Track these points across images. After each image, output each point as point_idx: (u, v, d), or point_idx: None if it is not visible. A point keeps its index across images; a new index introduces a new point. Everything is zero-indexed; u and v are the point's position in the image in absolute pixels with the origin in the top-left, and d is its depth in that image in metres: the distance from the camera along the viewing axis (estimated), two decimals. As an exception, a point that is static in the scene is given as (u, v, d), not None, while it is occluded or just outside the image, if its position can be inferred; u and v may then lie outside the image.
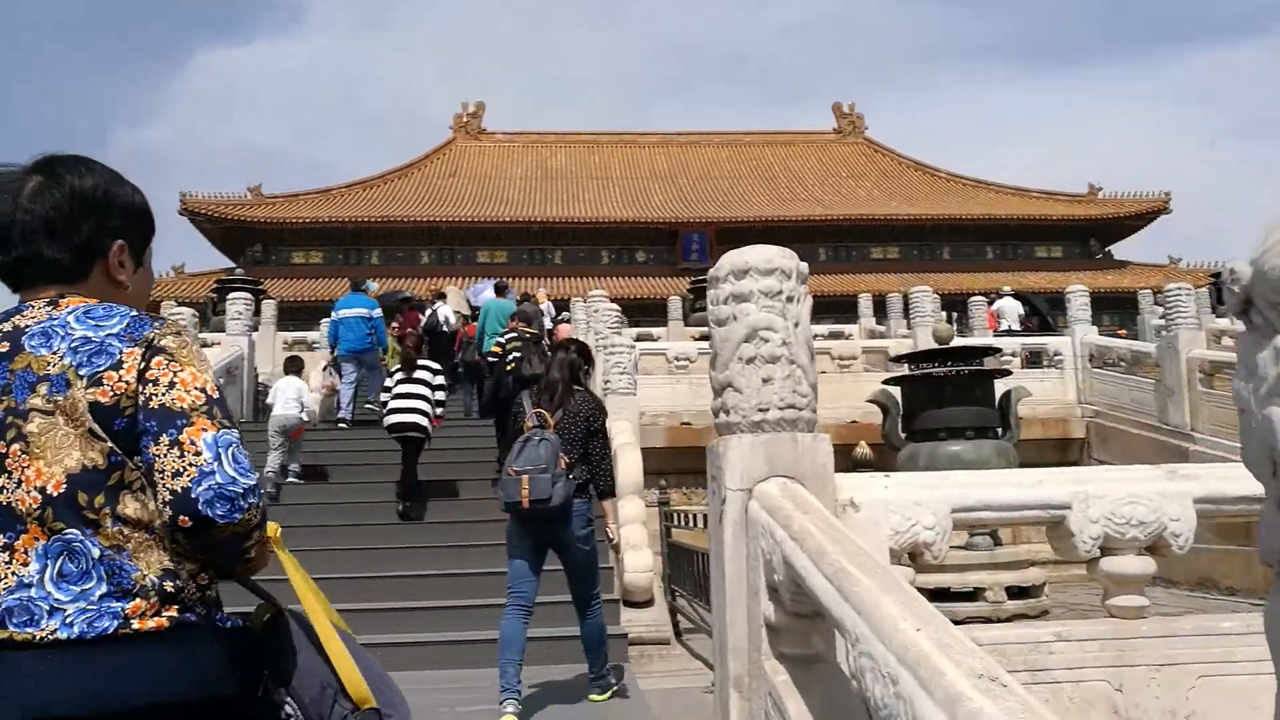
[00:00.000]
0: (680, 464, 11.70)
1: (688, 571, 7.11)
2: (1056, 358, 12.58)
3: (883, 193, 50.64)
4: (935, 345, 9.78)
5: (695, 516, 6.87)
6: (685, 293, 24.27)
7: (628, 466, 7.79)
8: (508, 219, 43.41)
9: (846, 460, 12.36)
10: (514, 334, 9.41)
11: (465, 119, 55.30)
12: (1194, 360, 10.65)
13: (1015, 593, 8.57)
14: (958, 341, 10.91)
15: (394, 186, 48.15)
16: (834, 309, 38.43)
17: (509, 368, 8.99)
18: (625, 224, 44.05)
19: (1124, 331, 24.03)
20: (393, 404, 9.00)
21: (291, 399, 9.54)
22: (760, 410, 2.91)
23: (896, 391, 9.77)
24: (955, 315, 21.19)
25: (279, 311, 20.41)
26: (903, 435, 9.43)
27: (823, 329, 21.03)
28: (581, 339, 6.97)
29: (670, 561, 7.91)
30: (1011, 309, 19.92)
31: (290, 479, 9.70)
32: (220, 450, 1.45)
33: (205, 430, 1.45)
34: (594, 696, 5.28)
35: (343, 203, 45.21)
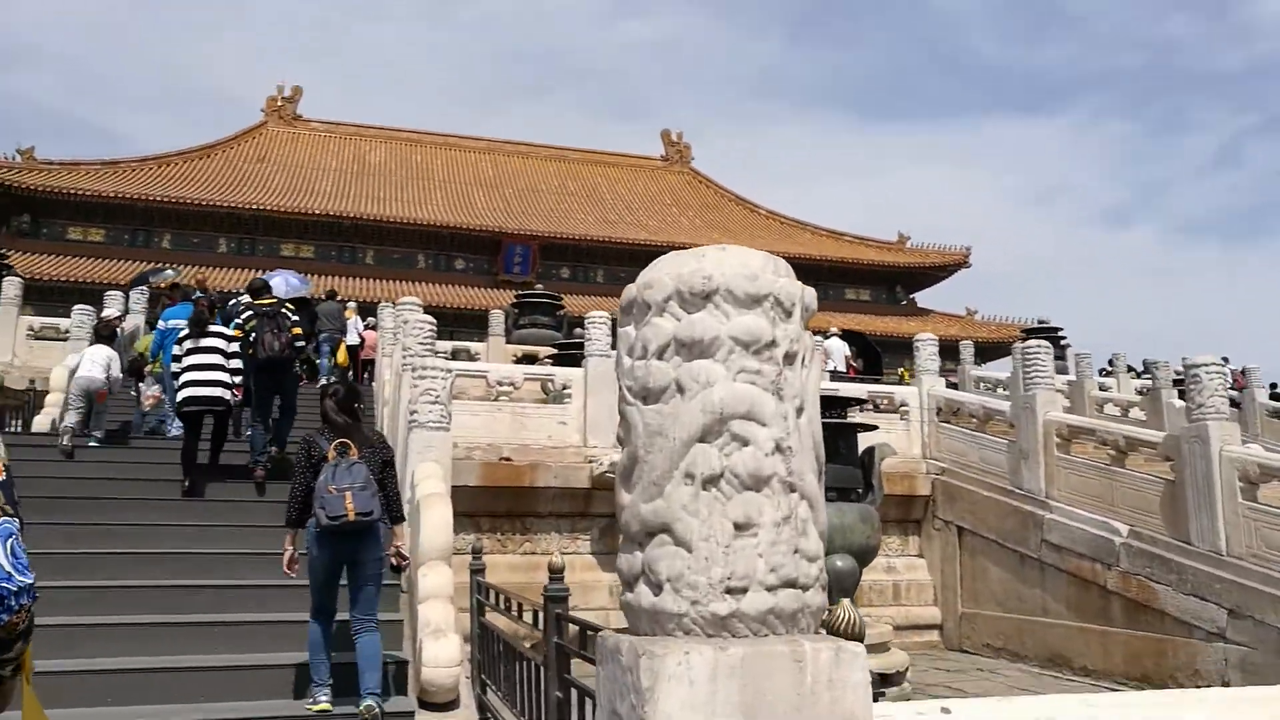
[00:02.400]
0: (496, 506, 10.10)
1: (502, 660, 5.55)
2: (903, 408, 11.84)
3: (705, 224, 50.93)
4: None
5: (515, 604, 5.34)
6: (509, 306, 22.58)
7: (435, 524, 6.15)
8: (318, 211, 40.25)
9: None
10: (250, 311, 8.43)
11: (280, 102, 51.47)
12: (1052, 423, 10.06)
13: (878, 681, 7.48)
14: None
15: (194, 166, 43.93)
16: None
17: (249, 351, 8.33)
18: (446, 229, 41.83)
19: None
20: (187, 376, 7.87)
21: (99, 363, 9.52)
22: (731, 591, 1.48)
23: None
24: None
25: (45, 291, 17.32)
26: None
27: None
28: (352, 385, 6.81)
29: (481, 645, 6.30)
30: (839, 349, 19.42)
31: (92, 443, 9.25)
32: None
33: None
34: (368, 704, 4.97)
35: (133, 178, 40.68)
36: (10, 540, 1.39)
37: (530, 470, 10.11)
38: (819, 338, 17.97)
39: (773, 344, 1.61)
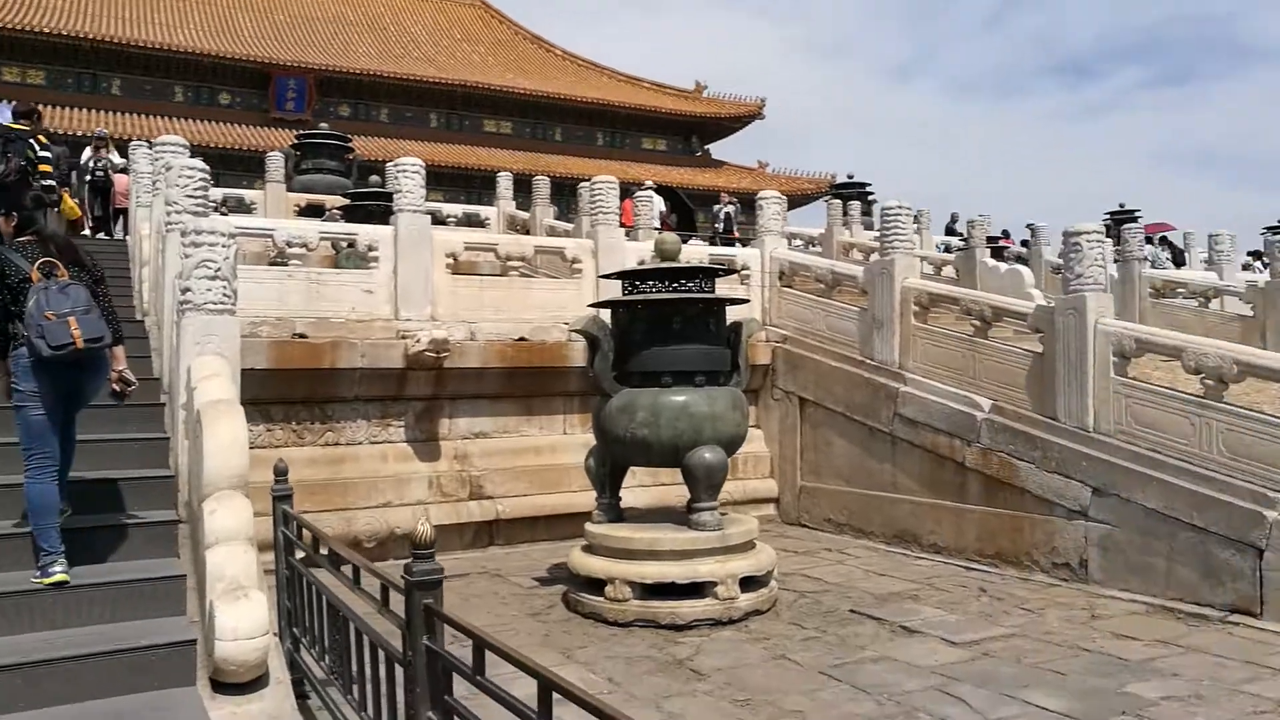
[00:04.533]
0: (290, 392, 8.52)
1: (327, 623, 4.27)
2: (744, 272, 10.97)
3: (498, 62, 48.01)
4: (658, 261, 7.50)
5: (351, 568, 4.02)
6: (288, 148, 19.85)
7: (223, 442, 4.66)
8: (48, 30, 34.31)
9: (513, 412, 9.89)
10: None
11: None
12: (910, 290, 9.45)
13: (746, 582, 6.75)
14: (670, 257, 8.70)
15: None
16: (445, 181, 35.63)
17: None
18: (207, 57, 36.86)
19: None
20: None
21: None
22: None
23: (608, 318, 7.41)
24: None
25: None
26: (614, 377, 7.13)
27: (456, 209, 18.16)
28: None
29: (291, 590, 4.97)
30: (654, 204, 18.36)
31: None
32: None
33: None
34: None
35: None
36: None
37: (331, 349, 8.53)
38: (637, 189, 16.78)
39: None
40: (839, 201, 20.29)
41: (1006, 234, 23.04)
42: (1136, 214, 25.13)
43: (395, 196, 9.61)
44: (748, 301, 9.16)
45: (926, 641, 6.05)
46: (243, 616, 4.10)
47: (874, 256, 13.73)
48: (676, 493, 9.80)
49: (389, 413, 8.99)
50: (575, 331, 7.37)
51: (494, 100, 43.71)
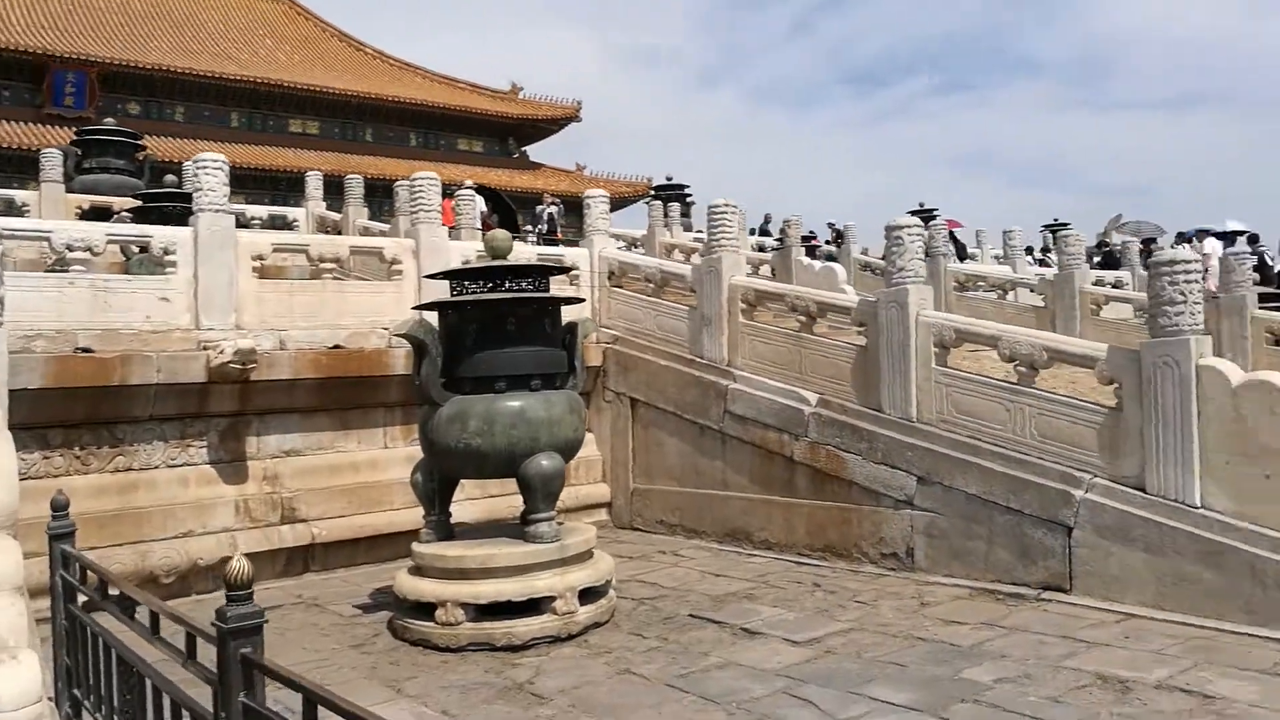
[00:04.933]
0: (72, 413, 7.66)
1: (116, 679, 3.74)
2: (573, 273, 10.73)
3: (304, 60, 45.99)
4: (487, 261, 7.14)
5: (150, 614, 3.48)
6: (68, 145, 18.12)
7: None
8: None
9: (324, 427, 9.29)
10: None
11: None
12: (737, 288, 9.48)
13: (586, 594, 6.53)
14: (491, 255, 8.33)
15: None
16: (249, 183, 33.71)
17: None
18: (-35, 47, 33.49)
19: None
20: None
21: None
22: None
23: (435, 322, 7.01)
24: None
25: None
26: (443, 384, 6.74)
27: (261, 211, 17.10)
28: None
29: (73, 645, 4.34)
30: (475, 203, 17.89)
31: None
32: None
33: None
34: None
35: None
36: None
37: (121, 363, 7.72)
38: (457, 190, 16.28)
39: None
40: (660, 203, 20.38)
41: (813, 234, 23.84)
42: (935, 212, 26.58)
43: (195, 195, 8.82)
44: (583, 301, 8.94)
45: (768, 643, 6.00)
46: (8, 684, 3.51)
47: (695, 257, 13.84)
48: (507, 504, 9.49)
49: (189, 432, 8.22)
50: (399, 336, 6.93)
51: (300, 99, 41.87)
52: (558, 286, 9.90)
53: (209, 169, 8.84)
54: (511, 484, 8.99)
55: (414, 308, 7.86)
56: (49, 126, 32.97)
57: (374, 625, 6.82)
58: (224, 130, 38.82)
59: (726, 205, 9.84)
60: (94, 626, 4.02)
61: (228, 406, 8.36)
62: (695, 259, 12.93)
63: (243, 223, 14.28)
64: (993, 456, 7.24)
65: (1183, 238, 20.24)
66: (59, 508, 4.70)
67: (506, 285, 6.83)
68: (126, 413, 7.85)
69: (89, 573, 4.12)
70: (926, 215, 26.26)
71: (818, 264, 16.44)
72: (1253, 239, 19.50)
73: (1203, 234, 20.56)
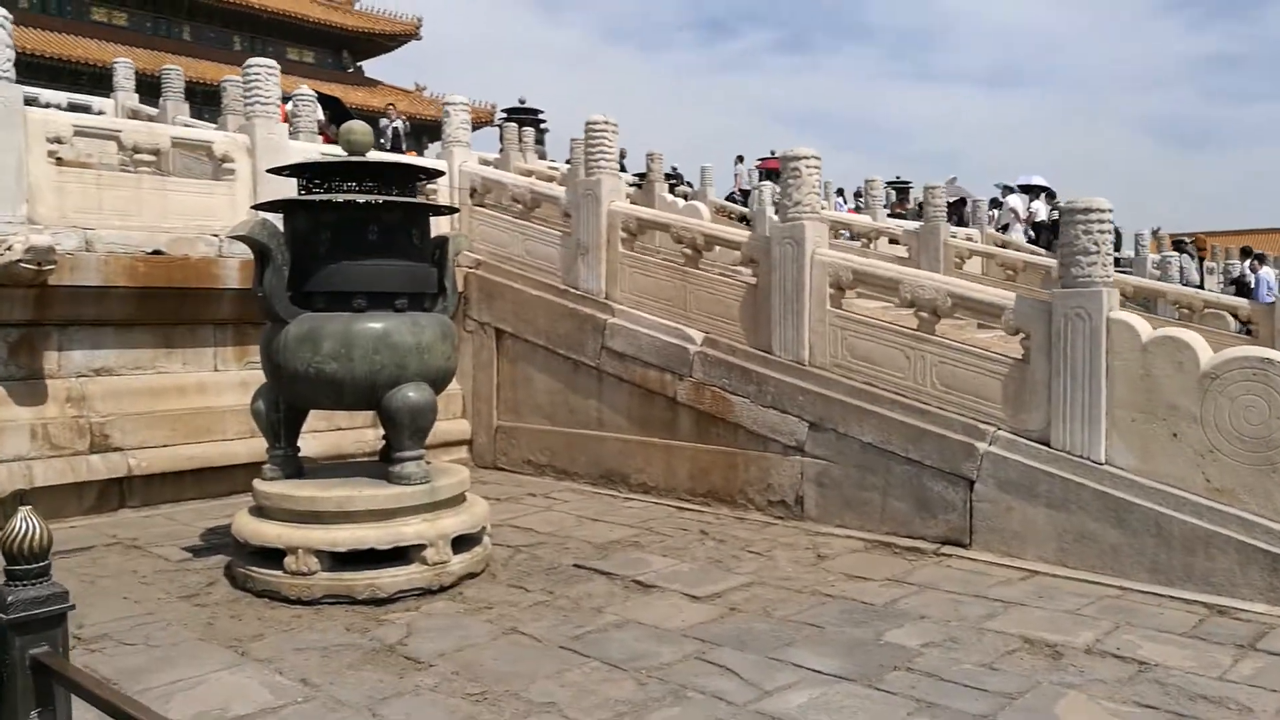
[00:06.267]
0: None
1: None
2: (429, 187, 9.73)
3: (106, -52, 41.37)
4: (345, 155, 6.12)
5: None
6: None
7: None
8: None
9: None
10: None
11: None
12: (618, 215, 8.76)
13: (458, 542, 5.77)
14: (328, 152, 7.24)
15: None
16: (42, 74, 30.04)
17: None
18: None
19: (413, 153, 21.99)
20: None
21: None
22: None
23: (280, 224, 5.96)
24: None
25: None
26: (290, 298, 5.75)
27: (59, 97, 14.93)
28: None
29: None
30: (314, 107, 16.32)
31: None
32: None
33: None
34: None
35: None
36: None
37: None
38: (299, 92, 14.67)
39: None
40: (514, 125, 19.31)
41: (676, 170, 23.38)
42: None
43: (-32, 61, 7.29)
44: (457, 211, 8.01)
45: (666, 597, 5.45)
46: None
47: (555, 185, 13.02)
48: (355, 438, 8.60)
49: (-32, 343, 6.85)
50: (237, 238, 5.84)
51: (103, -16, 37.73)
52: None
53: (-20, 28, 7.32)
54: (361, 416, 8.17)
55: (254, 206, 6.74)
56: None
57: (208, 572, 5.83)
58: (9, 9, 34.38)
59: (606, 123, 9.04)
60: None
61: (19, 314, 7.01)
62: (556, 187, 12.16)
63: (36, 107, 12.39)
64: (891, 405, 6.91)
65: (995, 204, 20.94)
66: None
67: (367, 186, 5.88)
68: (-117, 315, 6.43)
69: None
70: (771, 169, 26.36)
71: (681, 203, 15.93)
72: (1050, 195, 20.32)
73: (1007, 190, 21.36)
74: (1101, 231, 6.29)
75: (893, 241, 14.83)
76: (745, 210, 18.80)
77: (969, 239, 16.40)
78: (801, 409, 7.32)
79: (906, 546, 6.54)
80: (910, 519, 6.75)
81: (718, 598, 5.44)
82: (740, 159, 23.44)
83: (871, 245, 14.17)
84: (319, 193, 5.93)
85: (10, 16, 7.59)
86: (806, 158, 7.59)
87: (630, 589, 5.62)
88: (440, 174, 7.44)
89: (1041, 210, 20.71)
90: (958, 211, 19.47)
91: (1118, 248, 15.71)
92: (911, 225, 15.85)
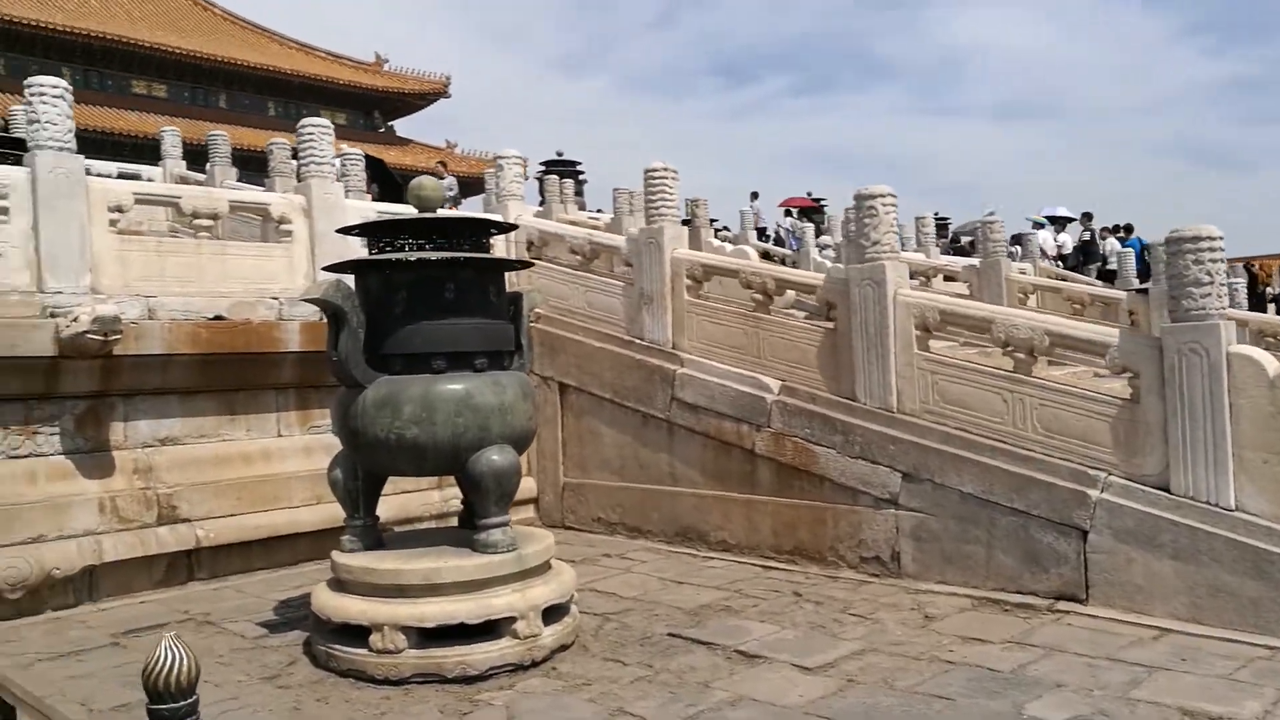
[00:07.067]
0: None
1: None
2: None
3: (146, 16, 42.53)
4: (406, 211, 5.93)
5: None
6: None
7: None
8: None
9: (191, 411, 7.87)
10: None
11: None
12: (681, 262, 8.52)
13: (548, 613, 5.45)
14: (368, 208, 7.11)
15: None
16: (88, 147, 30.63)
17: None
18: None
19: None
20: None
21: None
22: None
23: (352, 285, 5.75)
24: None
25: None
26: (365, 361, 5.51)
27: (109, 167, 15.03)
28: None
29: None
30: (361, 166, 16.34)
31: None
32: None
33: None
34: None
35: None
36: None
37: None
38: (348, 152, 14.67)
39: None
40: (555, 177, 19.25)
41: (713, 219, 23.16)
42: (823, 202, 26.40)
43: (33, 129, 7.22)
44: (532, 265, 7.80)
45: (775, 669, 5.08)
46: None
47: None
48: (420, 500, 8.34)
49: (36, 416, 6.67)
50: (311, 301, 5.63)
51: (144, 59, 38.78)
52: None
53: (47, 97, 7.24)
54: (427, 479, 7.92)
55: (324, 268, 6.55)
56: None
57: (287, 650, 5.55)
58: (56, 85, 35.22)
59: (666, 170, 8.84)
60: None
61: (85, 386, 6.84)
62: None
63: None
64: (991, 452, 6.54)
65: (1016, 240, 20.48)
66: None
67: (440, 243, 5.68)
68: (-48, 392, 6.28)
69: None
70: (816, 205, 26.16)
71: (728, 247, 15.70)
72: (1087, 216, 19.81)
73: (1036, 225, 20.88)
74: (1214, 261, 5.93)
75: (947, 279, 14.49)
76: (785, 252, 18.55)
77: (1022, 273, 16.00)
78: (893, 459, 6.96)
79: (1018, 603, 6.13)
80: (1019, 573, 6.34)
81: (831, 668, 5.07)
82: (755, 195, 23.21)
83: (929, 283, 13.82)
84: (389, 251, 5.74)
85: (66, 85, 7.51)
86: (882, 195, 7.31)
87: (734, 660, 5.26)
88: (514, 227, 7.25)
89: (1068, 242, 20.33)
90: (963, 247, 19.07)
91: (1148, 273, 15.24)
92: (962, 261, 15.52)
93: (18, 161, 7.78)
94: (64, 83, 7.47)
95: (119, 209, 7.56)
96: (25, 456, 6.60)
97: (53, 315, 6.70)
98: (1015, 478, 6.38)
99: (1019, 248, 19.06)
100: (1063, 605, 6.03)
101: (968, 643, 5.42)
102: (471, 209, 21.32)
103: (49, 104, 7.22)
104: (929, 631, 5.67)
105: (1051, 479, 6.25)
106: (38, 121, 7.18)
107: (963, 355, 7.39)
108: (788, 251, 18.78)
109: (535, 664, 5.21)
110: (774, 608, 6.24)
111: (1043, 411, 6.44)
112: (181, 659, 1.68)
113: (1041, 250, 19.49)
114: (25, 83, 7.46)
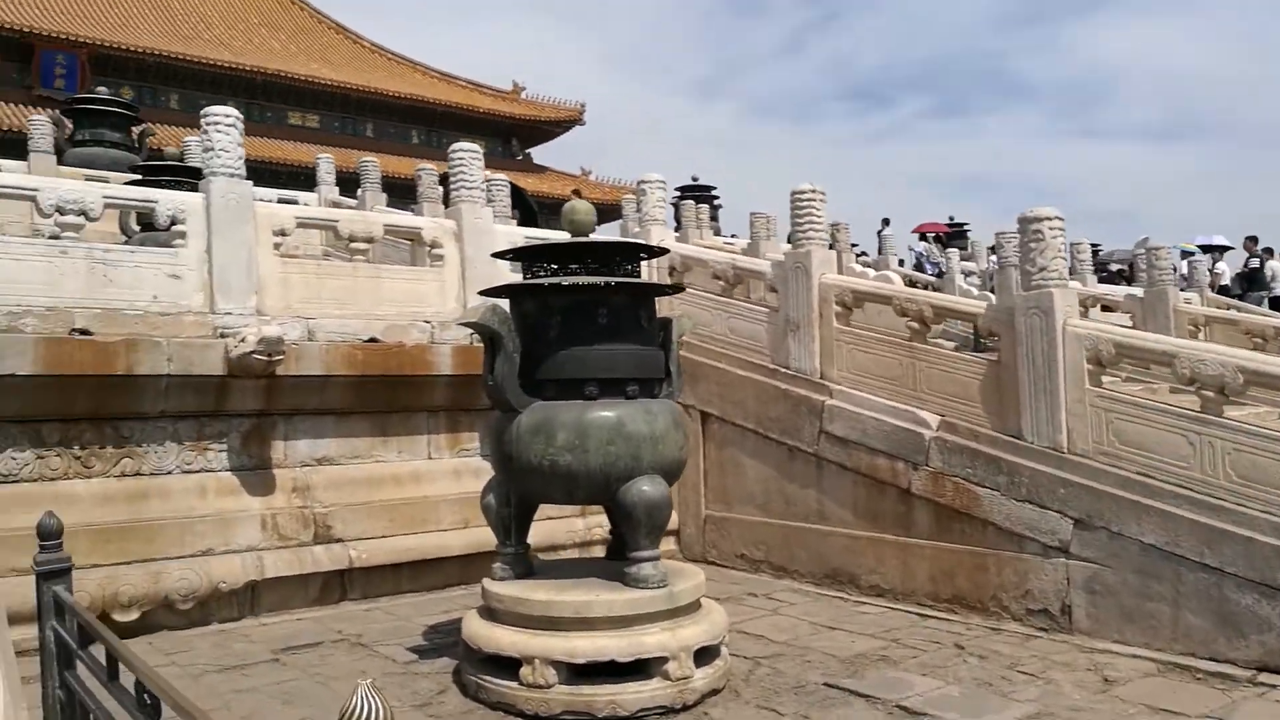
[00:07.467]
0: (71, 406, 6.39)
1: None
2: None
3: (300, 50, 44.85)
4: (556, 236, 5.90)
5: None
6: (57, 113, 16.76)
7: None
8: None
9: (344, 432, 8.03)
10: None
11: None
12: (830, 287, 8.26)
13: (699, 654, 5.26)
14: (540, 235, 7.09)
15: None
16: (250, 174, 32.37)
17: None
18: (-49, 21, 32.00)
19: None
20: None
21: None
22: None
23: (507, 308, 5.74)
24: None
25: None
26: (520, 386, 5.47)
27: (269, 194, 15.73)
28: None
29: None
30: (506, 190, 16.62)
31: None
32: None
33: None
34: None
35: None
36: None
37: (127, 349, 6.43)
38: (494, 178, 14.96)
39: None
40: (691, 202, 19.18)
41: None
42: (966, 227, 25.54)
43: (206, 156, 7.56)
44: (682, 289, 7.70)
45: (944, 727, 4.76)
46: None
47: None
48: (565, 528, 8.28)
49: (206, 433, 6.93)
50: (469, 325, 5.63)
51: (298, 91, 40.72)
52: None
53: (221, 126, 7.57)
54: (571, 506, 7.85)
55: (481, 292, 6.59)
56: (39, 109, 31.50)
57: (436, 678, 5.52)
58: (224, 118, 37.43)
59: (814, 192, 8.58)
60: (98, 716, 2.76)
61: (250, 404, 7.07)
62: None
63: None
64: (1175, 499, 6.03)
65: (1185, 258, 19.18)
66: (48, 535, 3.45)
67: (593, 268, 5.61)
68: (135, 408, 6.57)
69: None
70: (958, 230, 25.32)
71: (871, 271, 15.30)
72: (1253, 239, 18.39)
73: (1186, 255, 19.50)
74: None
75: (1105, 309, 13.71)
76: (928, 278, 17.98)
77: (1188, 303, 15.02)
78: (1063, 503, 6.51)
79: (1212, 671, 5.59)
80: (1212, 637, 5.80)
81: (1005, 729, 4.71)
82: (886, 222, 22.61)
83: (1086, 314, 13.08)
84: (543, 276, 5.71)
85: (238, 115, 7.85)
86: (1049, 219, 6.90)
87: (896, 716, 4.96)
88: (665, 252, 7.15)
89: (1227, 271, 19.00)
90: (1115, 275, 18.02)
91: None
92: (1123, 290, 14.69)
93: (193, 189, 8.16)
94: (235, 112, 7.82)
95: (282, 232, 7.82)
96: (197, 472, 6.85)
97: (222, 335, 6.95)
98: (1205, 530, 5.86)
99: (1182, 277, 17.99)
100: (1267, 678, 5.45)
101: (1157, 715, 4.96)
102: (607, 235, 21.54)
103: (222, 132, 7.55)
104: (1111, 698, 5.22)
105: (1250, 533, 5.70)
106: (212, 149, 7.51)
107: (1128, 392, 6.89)
108: (930, 278, 18.21)
109: (686, 708, 5.03)
110: (935, 660, 5.88)
111: (1237, 457, 5.90)
112: (376, 709, 1.58)
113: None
114: (201, 112, 7.82)
